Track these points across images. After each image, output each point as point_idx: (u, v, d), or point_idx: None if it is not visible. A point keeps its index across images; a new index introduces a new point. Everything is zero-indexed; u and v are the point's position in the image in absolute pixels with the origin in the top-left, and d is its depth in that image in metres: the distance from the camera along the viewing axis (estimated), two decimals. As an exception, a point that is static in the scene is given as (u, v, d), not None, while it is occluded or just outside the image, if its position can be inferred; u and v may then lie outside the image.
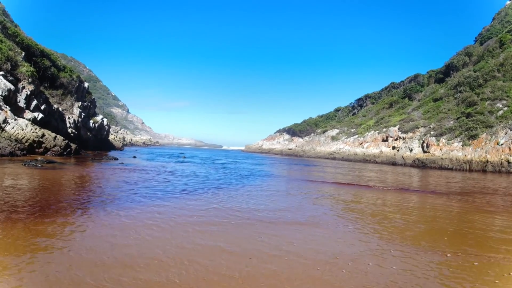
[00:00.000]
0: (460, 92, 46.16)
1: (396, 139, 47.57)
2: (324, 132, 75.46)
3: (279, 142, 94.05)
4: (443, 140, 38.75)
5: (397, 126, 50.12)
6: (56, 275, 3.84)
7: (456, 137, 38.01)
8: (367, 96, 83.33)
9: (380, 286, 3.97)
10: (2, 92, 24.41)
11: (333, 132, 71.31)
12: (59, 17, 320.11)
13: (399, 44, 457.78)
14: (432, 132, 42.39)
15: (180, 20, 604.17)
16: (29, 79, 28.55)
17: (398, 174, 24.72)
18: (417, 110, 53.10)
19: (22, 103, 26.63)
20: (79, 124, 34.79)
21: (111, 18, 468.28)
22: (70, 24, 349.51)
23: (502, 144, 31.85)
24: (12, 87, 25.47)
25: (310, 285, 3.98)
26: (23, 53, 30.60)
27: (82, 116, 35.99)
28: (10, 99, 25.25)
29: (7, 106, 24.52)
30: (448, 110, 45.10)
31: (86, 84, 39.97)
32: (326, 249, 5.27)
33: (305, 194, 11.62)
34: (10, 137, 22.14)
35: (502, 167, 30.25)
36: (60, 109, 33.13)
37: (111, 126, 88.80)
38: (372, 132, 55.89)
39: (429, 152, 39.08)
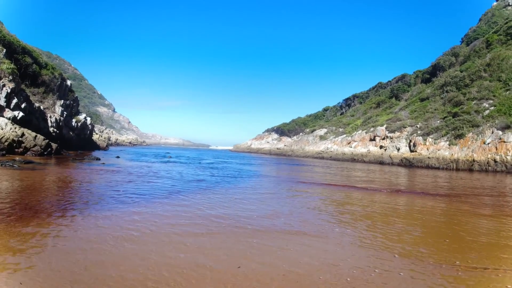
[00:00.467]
0: (447, 92, 46.55)
1: (384, 139, 47.72)
2: (312, 131, 75.45)
3: (268, 142, 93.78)
4: (430, 140, 38.95)
5: (385, 126, 50.30)
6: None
7: (442, 136, 38.24)
8: (355, 96, 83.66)
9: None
10: (-21, 90, 23.40)
11: (322, 132, 71.33)
12: (44, 14, 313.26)
13: (386, 45, 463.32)
14: (419, 132, 42.62)
15: (170, 19, 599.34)
16: (10, 77, 27.52)
17: (387, 173, 24.60)
18: (404, 110, 53.41)
19: (2, 102, 25.65)
20: (61, 123, 33.76)
21: (98, 17, 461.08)
22: (55, 22, 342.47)
23: (488, 144, 32.10)
24: (-10, 84, 24.46)
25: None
26: (4, 50, 29.50)
27: (65, 115, 34.96)
28: (-12, 97, 24.25)
29: (-15, 104, 23.53)
30: (435, 109, 45.43)
31: (68, 82, 38.86)
32: (325, 261, 4.82)
33: (296, 197, 10.98)
34: (-13, 137, 21.23)
35: (488, 166, 30.47)
36: (41, 107, 32.08)
37: (96, 125, 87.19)
38: (360, 131, 56.01)
39: (416, 151, 39.25)
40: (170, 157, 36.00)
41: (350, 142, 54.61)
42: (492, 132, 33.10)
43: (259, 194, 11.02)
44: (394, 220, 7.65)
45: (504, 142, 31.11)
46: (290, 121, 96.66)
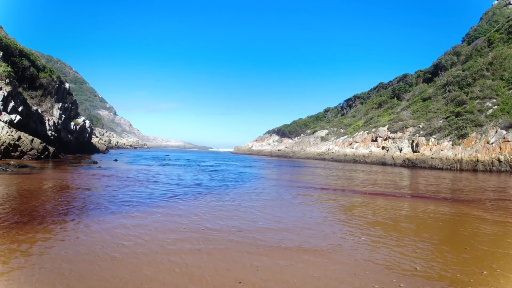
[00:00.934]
0: (449, 91, 46.04)
1: (386, 139, 47.21)
2: (313, 132, 74.98)
3: (269, 143, 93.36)
4: (433, 140, 38.45)
5: (386, 126, 49.80)
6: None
7: (445, 136, 37.74)
8: (356, 97, 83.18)
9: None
10: (-26, 93, 23.09)
11: (323, 133, 70.87)
12: (45, 18, 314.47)
13: (387, 45, 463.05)
14: (421, 132, 42.12)
15: (170, 21, 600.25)
16: (6, 80, 27.25)
17: (391, 175, 24.13)
18: (406, 110, 52.92)
19: (-2, 105, 25.35)
20: (59, 126, 33.42)
21: (98, 20, 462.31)
22: (56, 26, 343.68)
23: (492, 143, 31.59)
24: (-14, 87, 24.16)
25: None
26: (1, 53, 29.25)
27: (63, 118, 34.62)
28: (-17, 100, 23.94)
29: (-20, 108, 23.22)
30: (437, 109, 44.93)
31: (67, 85, 38.55)
32: (339, 277, 4.29)
33: (300, 204, 9.83)
34: (-17, 141, 20.90)
35: (493, 166, 29.95)
36: (39, 110, 31.76)
37: (97, 128, 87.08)
38: (362, 132, 55.51)
39: (418, 152, 38.75)
40: (169, 159, 35.58)
41: (351, 143, 54.11)
42: (496, 132, 32.60)
43: (261, 201, 10.25)
44: (410, 229, 7.18)
45: (508, 141, 30.60)
46: (291, 122, 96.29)
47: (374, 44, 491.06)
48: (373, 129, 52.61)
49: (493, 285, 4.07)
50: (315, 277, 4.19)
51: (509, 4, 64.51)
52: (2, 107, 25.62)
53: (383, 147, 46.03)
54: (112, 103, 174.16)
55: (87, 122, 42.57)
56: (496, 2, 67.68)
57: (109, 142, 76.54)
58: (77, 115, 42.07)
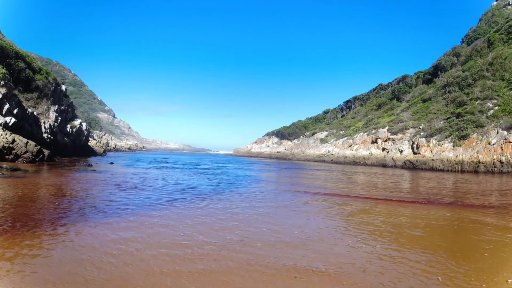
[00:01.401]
0: (449, 92, 45.68)
1: (386, 141, 46.80)
2: (313, 134, 74.59)
3: (268, 145, 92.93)
4: (433, 141, 38.05)
5: (386, 128, 49.38)
6: None
7: (446, 137, 37.34)
8: (355, 98, 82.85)
9: None
10: (-34, 95, 22.69)
11: (322, 135, 70.47)
12: (43, 21, 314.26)
13: (386, 46, 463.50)
14: (422, 133, 41.72)
15: (170, 24, 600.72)
16: (1, 82, 26.87)
17: (392, 177, 23.72)
18: (406, 111, 52.55)
19: (-8, 107, 24.95)
20: (55, 129, 32.95)
21: (96, 23, 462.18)
22: (54, 29, 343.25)
23: (494, 144, 31.19)
24: (-21, 89, 23.75)
25: None
26: (-4, 55, 28.89)
27: (59, 120, 34.16)
28: (-23, 102, 23.54)
29: (-27, 110, 22.81)
30: (437, 110, 44.55)
31: (63, 87, 38.11)
32: None
33: (309, 214, 8.61)
34: (-25, 144, 20.48)
35: (494, 167, 29.55)
36: (35, 113, 31.32)
37: (95, 131, 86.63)
38: (361, 133, 55.09)
39: (419, 153, 38.33)
40: (166, 162, 35.09)
41: (351, 145, 53.68)
42: (497, 133, 32.20)
43: (260, 208, 9.36)
44: (422, 238, 6.75)
45: (510, 142, 30.19)
46: (290, 124, 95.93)
47: (373, 45, 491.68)
48: (373, 131, 52.19)
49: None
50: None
51: (509, 4, 64.29)
52: (-4, 109, 25.23)
53: (383, 149, 45.61)
54: (111, 105, 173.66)
55: (84, 124, 42.09)
56: (495, 2, 67.48)
57: (107, 144, 76.03)
58: (73, 118, 41.62)
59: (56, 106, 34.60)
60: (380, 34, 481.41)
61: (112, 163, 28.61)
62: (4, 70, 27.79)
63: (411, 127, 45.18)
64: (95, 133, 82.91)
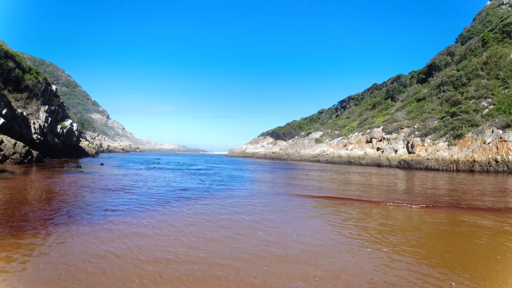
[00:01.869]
0: (444, 91, 45.60)
1: (380, 140, 46.59)
2: (308, 134, 74.35)
3: (263, 146, 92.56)
4: (428, 140, 37.88)
5: (381, 127, 49.20)
6: None
7: (441, 137, 37.18)
8: (350, 98, 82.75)
9: None
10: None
11: (317, 135, 70.25)
12: (36, 22, 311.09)
13: (380, 46, 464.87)
14: (416, 133, 41.56)
15: (165, 24, 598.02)
16: (-11, 82, 26.25)
17: (388, 177, 23.40)
18: (400, 111, 52.44)
19: (-21, 108, 24.31)
20: (45, 130, 32.31)
21: (90, 23, 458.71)
22: (47, 29, 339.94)
23: (489, 143, 31.04)
24: (-37, 89, 23.10)
25: None
26: (-16, 55, 28.22)
27: (49, 120, 33.51)
28: (-38, 103, 22.89)
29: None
30: (432, 110, 44.44)
31: (54, 87, 37.41)
32: None
33: (307, 218, 8.03)
34: (-42, 145, 19.86)
35: (490, 166, 29.38)
36: (24, 113, 30.68)
37: (88, 132, 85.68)
38: (356, 133, 54.88)
39: (414, 152, 38.14)
40: (159, 163, 34.51)
41: (346, 145, 53.44)
42: (492, 131, 32.08)
43: (253, 214, 8.47)
44: (432, 244, 6.36)
45: (505, 141, 30.06)
46: (285, 124, 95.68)
47: (367, 45, 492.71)
48: (368, 130, 51.99)
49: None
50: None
51: (502, 4, 64.46)
52: (-17, 110, 24.60)
53: (378, 148, 45.39)
54: (106, 106, 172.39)
55: (75, 125, 41.39)
56: (489, 2, 67.63)
57: (100, 145, 75.18)
58: (64, 118, 40.90)
59: (46, 106, 33.94)
60: (375, 34, 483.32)
61: (102, 164, 28.02)
62: (-9, 70, 27.15)
63: (406, 127, 45.02)
64: (88, 134, 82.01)
